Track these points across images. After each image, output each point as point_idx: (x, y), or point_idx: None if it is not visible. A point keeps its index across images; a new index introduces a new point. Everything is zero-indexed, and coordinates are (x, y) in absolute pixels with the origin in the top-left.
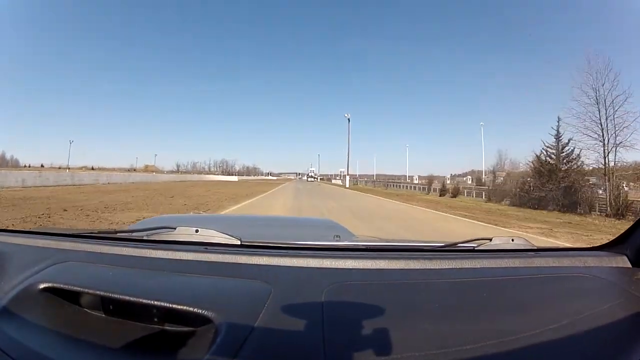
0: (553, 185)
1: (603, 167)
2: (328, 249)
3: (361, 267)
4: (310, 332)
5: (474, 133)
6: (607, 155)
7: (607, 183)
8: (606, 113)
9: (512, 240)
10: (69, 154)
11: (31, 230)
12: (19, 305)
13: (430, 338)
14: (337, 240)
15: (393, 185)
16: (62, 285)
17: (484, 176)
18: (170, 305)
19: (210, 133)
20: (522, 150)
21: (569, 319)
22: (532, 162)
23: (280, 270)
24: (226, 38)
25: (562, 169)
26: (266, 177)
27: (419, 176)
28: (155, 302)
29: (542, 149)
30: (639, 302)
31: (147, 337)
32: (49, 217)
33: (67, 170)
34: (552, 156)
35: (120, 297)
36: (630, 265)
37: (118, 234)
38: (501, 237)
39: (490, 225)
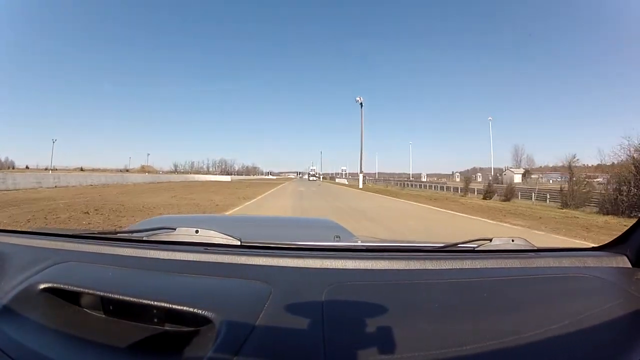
0: None
1: None
2: (328, 249)
3: (361, 268)
4: (310, 332)
5: (478, 129)
6: None
7: None
8: None
9: (512, 240)
10: (52, 153)
11: (31, 230)
12: (19, 306)
13: (430, 338)
14: (337, 241)
15: (408, 184)
16: (62, 286)
17: (492, 173)
18: (171, 306)
19: (209, 133)
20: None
21: (569, 319)
22: (633, 157)
23: (280, 270)
24: (224, 36)
25: None
26: (265, 177)
27: (427, 174)
28: (155, 303)
29: None
30: (639, 302)
31: (147, 338)
32: None
33: (50, 171)
34: None
35: (120, 297)
36: (630, 265)
37: (118, 235)
38: (501, 237)
39: None
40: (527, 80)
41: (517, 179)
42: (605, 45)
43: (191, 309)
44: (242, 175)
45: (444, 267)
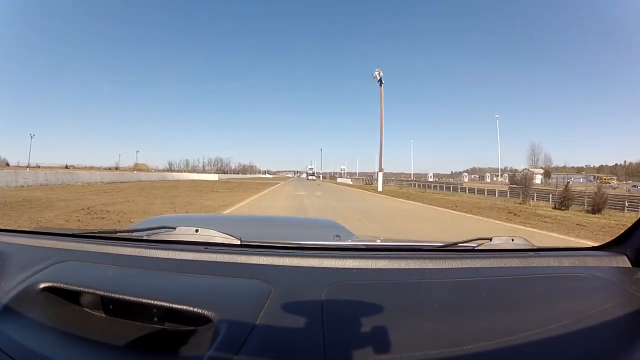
0: None
1: None
2: (328, 248)
3: (361, 267)
4: (310, 331)
5: (477, 129)
6: None
7: None
8: None
9: (512, 240)
10: (30, 150)
11: (31, 230)
12: (19, 305)
13: (430, 337)
14: (337, 240)
15: (426, 186)
16: (62, 285)
17: (501, 173)
18: (171, 305)
19: (204, 131)
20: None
21: (569, 319)
22: None
23: (280, 269)
24: (221, 35)
25: None
26: (261, 176)
27: (434, 174)
28: (156, 302)
29: None
30: (639, 302)
31: (147, 337)
32: None
33: (28, 169)
34: None
35: (121, 296)
36: (630, 265)
37: (118, 234)
38: (501, 236)
39: None
40: (535, 80)
41: (537, 179)
42: (608, 45)
43: (191, 308)
44: (238, 174)
45: (444, 267)
